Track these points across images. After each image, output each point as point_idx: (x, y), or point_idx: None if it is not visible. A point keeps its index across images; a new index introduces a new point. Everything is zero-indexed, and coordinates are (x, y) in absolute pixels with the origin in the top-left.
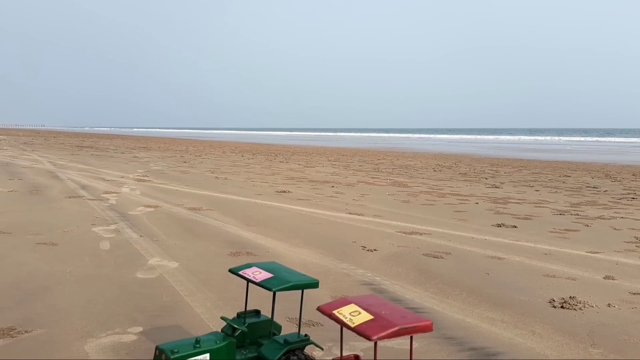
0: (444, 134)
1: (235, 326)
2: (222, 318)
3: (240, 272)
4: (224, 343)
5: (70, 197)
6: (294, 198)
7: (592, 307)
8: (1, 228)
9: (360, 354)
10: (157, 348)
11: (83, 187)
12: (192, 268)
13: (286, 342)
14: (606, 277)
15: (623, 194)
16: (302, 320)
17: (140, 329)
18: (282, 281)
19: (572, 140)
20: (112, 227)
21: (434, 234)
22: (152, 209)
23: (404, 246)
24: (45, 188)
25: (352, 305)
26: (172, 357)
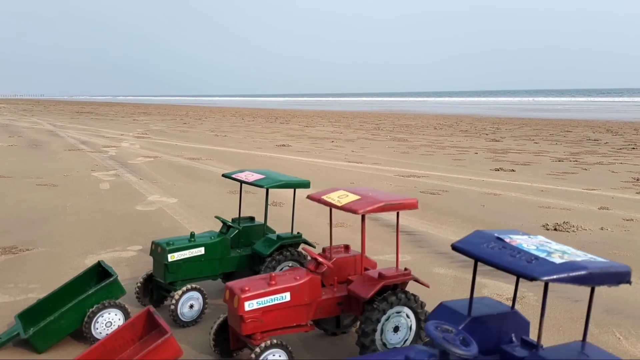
0: (444, 97)
1: (230, 224)
2: (217, 217)
3: (234, 175)
4: (218, 239)
5: (70, 150)
6: (293, 150)
7: (585, 230)
8: (1, 173)
9: (350, 245)
10: (153, 242)
11: (83, 142)
12: (192, 203)
13: (279, 238)
14: (601, 208)
15: (623, 145)
16: (294, 221)
17: (139, 247)
18: (273, 180)
19: (574, 100)
20: (112, 172)
21: (432, 176)
22: (152, 159)
23: (401, 186)
24: (45, 143)
25: (341, 190)
26: (167, 248)
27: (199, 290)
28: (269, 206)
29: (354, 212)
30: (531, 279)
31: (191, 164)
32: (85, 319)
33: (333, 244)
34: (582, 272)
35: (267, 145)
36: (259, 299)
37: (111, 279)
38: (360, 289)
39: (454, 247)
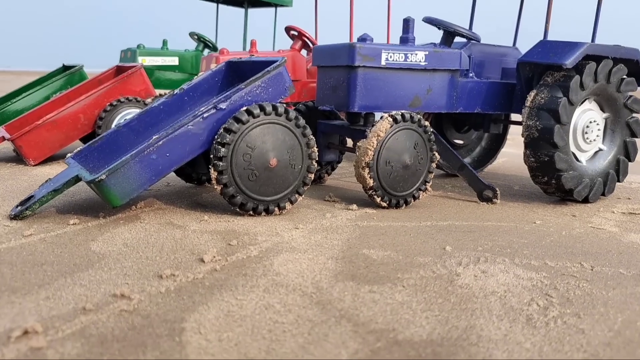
0: None
1: (207, 40)
2: (192, 34)
3: None
4: (194, 52)
5: None
6: None
7: None
8: None
9: None
10: (122, 51)
11: None
12: None
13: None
14: None
15: None
16: (275, 37)
17: None
18: None
19: None
20: None
21: None
22: None
23: None
24: None
25: None
26: (138, 50)
27: None
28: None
29: None
30: None
31: None
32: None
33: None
34: None
35: None
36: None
37: None
38: None
39: None
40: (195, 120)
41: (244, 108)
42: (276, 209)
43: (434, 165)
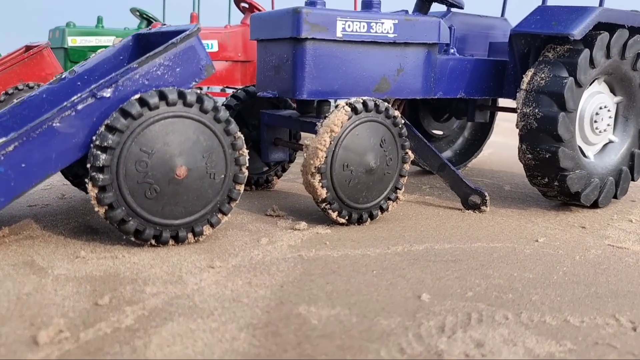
0: None
1: (151, 17)
2: (134, 9)
3: None
4: (133, 30)
5: None
6: None
7: None
8: None
9: None
10: (50, 30)
11: None
12: None
13: None
14: None
15: None
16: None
17: None
18: None
19: None
20: None
21: None
22: None
23: None
24: None
25: None
26: (67, 29)
27: None
28: None
29: None
30: None
31: None
32: None
33: None
34: None
35: None
36: None
37: None
38: None
39: None
40: (64, 114)
41: (136, 96)
42: (190, 235)
43: (406, 166)
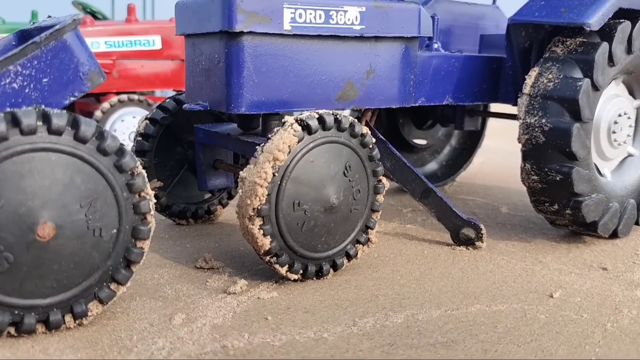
0: None
1: (95, 11)
2: (76, 1)
3: None
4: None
5: None
6: None
7: None
8: None
9: None
10: None
11: None
12: None
13: None
14: None
15: None
16: None
17: None
18: None
19: None
20: None
21: None
22: None
23: None
24: None
25: None
26: None
27: None
28: None
29: None
30: None
31: None
32: None
33: None
34: None
35: None
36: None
37: None
38: None
39: None
40: None
41: None
42: (68, 317)
43: (380, 198)
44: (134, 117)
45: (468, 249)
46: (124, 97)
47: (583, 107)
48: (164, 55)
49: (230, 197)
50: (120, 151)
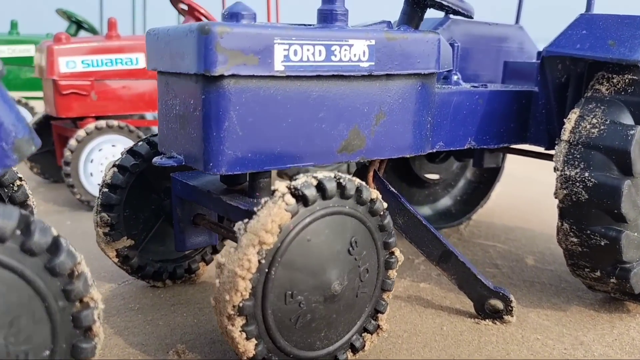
0: None
1: (81, 20)
2: (60, 10)
3: None
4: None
5: None
6: None
7: None
8: None
9: None
10: None
11: None
12: None
13: None
14: None
15: None
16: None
17: None
18: None
19: None
20: None
21: None
22: None
23: None
24: None
25: None
26: None
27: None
28: None
29: None
30: None
31: None
32: None
33: None
34: None
35: None
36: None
37: None
38: None
39: None
40: None
41: None
42: None
43: (392, 274)
44: (113, 145)
45: (495, 324)
46: (102, 123)
47: (635, 161)
48: (149, 75)
49: (215, 251)
50: (54, 247)
